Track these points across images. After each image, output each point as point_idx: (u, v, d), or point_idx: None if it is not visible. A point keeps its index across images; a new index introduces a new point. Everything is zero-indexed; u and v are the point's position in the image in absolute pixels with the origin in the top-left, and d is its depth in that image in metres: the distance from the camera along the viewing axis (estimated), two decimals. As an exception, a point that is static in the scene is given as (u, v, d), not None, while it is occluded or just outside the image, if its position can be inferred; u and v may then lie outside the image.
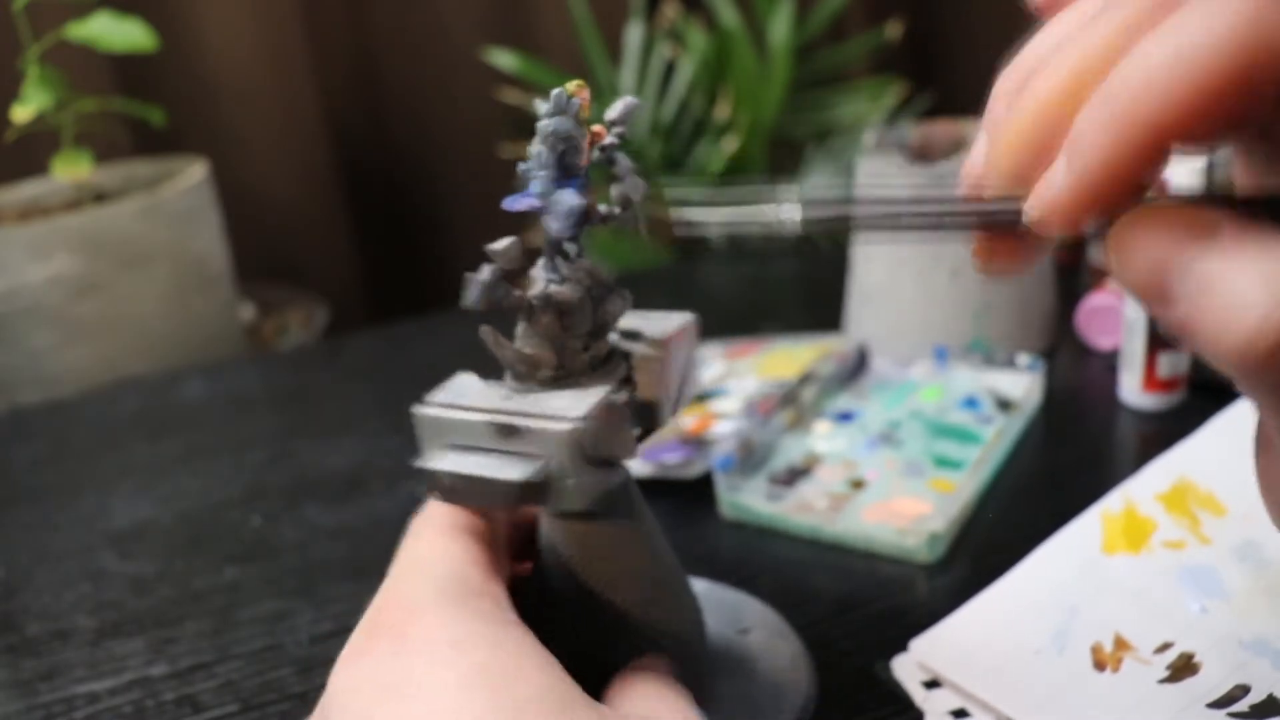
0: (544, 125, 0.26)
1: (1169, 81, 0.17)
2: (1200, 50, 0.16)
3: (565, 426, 0.26)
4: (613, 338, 0.30)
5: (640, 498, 0.31)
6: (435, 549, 0.27)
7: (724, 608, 0.37)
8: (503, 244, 0.26)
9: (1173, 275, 0.17)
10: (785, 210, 0.22)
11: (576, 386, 0.28)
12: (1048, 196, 0.19)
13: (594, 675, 0.28)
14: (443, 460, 0.27)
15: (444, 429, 0.28)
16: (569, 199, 0.26)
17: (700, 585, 0.38)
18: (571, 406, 0.27)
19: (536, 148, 0.26)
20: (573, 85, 0.26)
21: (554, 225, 0.26)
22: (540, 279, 0.27)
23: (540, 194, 0.26)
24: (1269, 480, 0.22)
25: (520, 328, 0.28)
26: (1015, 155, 0.20)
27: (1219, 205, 0.18)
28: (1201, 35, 0.16)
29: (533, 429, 0.26)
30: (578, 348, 0.28)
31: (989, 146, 0.21)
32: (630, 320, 0.31)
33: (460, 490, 0.27)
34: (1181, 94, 0.17)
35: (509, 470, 0.26)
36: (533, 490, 0.26)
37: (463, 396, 0.28)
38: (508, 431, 0.27)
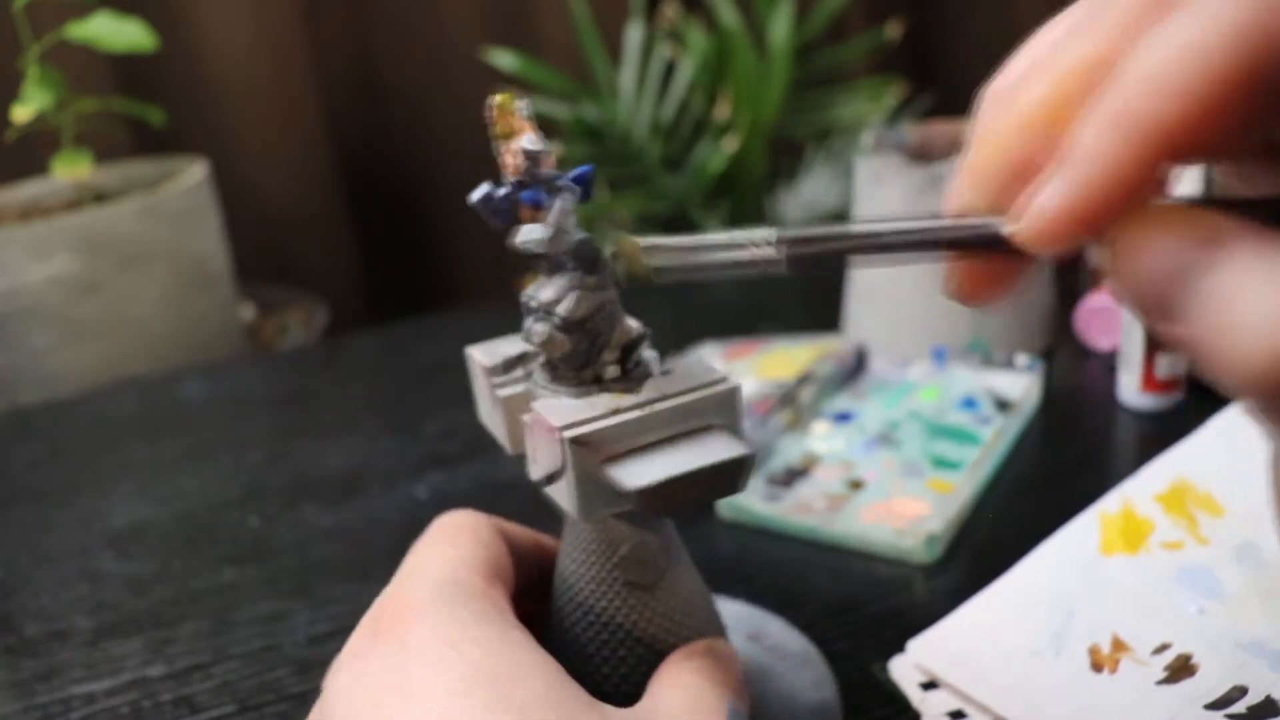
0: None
1: (1175, 80, 0.16)
2: (1207, 46, 0.15)
3: (731, 385, 0.26)
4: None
5: None
6: (437, 554, 0.28)
7: (746, 625, 0.37)
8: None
9: (1180, 289, 0.16)
10: (765, 248, 0.21)
11: (643, 377, 0.27)
12: (1041, 209, 0.17)
13: (624, 684, 0.28)
14: (647, 471, 0.25)
15: (609, 441, 0.26)
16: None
17: (726, 605, 0.37)
18: (705, 374, 0.27)
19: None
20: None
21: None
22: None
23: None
24: None
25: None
26: (997, 169, 0.19)
27: (1227, 211, 0.17)
28: (1206, 32, 0.15)
29: (706, 398, 0.26)
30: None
31: (970, 160, 0.19)
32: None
33: (679, 492, 0.25)
34: (1190, 93, 0.15)
35: (724, 450, 0.25)
36: (753, 461, 0.26)
37: (595, 408, 0.26)
38: (681, 414, 0.26)
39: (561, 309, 0.25)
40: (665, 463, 0.25)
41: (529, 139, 0.25)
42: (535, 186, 0.26)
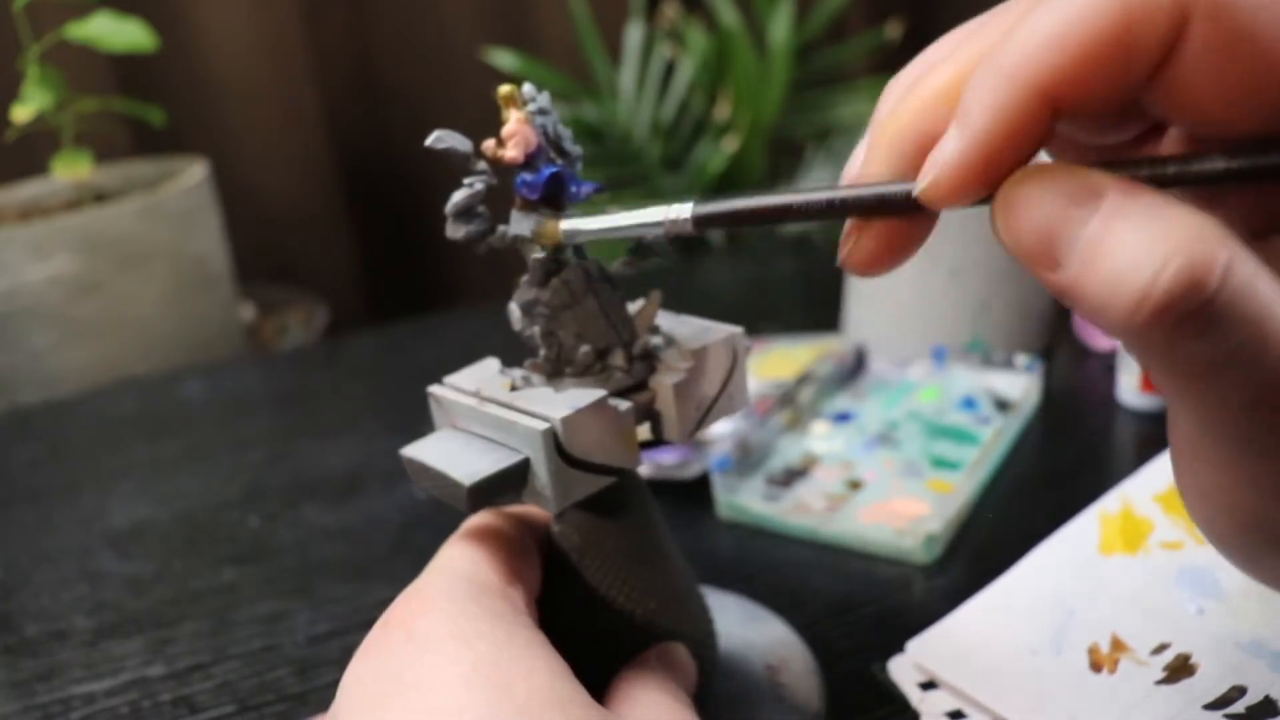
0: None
1: (1054, 40, 0.17)
2: (1082, 12, 0.17)
3: (542, 425, 0.26)
4: (655, 340, 0.29)
5: (650, 503, 0.30)
6: (457, 552, 0.28)
7: (740, 620, 0.37)
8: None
9: (1060, 237, 0.17)
10: (675, 210, 0.22)
11: (554, 384, 0.28)
12: (938, 163, 0.19)
13: (598, 679, 0.28)
14: (421, 448, 0.28)
15: (448, 410, 0.29)
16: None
17: (715, 596, 0.37)
18: (550, 406, 0.26)
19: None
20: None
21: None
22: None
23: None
24: (1191, 486, 0.21)
25: (572, 314, 0.28)
26: (897, 145, 0.20)
27: (1101, 170, 0.18)
28: (1081, 2, 0.17)
29: (517, 424, 0.26)
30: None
31: (870, 140, 0.21)
32: (672, 323, 0.30)
33: (425, 480, 0.27)
34: (1066, 50, 0.17)
35: (465, 469, 0.26)
36: (483, 495, 0.26)
37: (474, 381, 0.29)
38: (497, 423, 0.27)
39: (516, 293, 0.28)
40: (435, 450, 0.27)
41: (443, 134, 0.27)
42: (477, 174, 0.27)
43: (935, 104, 0.20)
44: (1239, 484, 0.19)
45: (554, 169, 0.27)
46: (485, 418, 0.27)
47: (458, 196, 0.27)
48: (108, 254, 0.93)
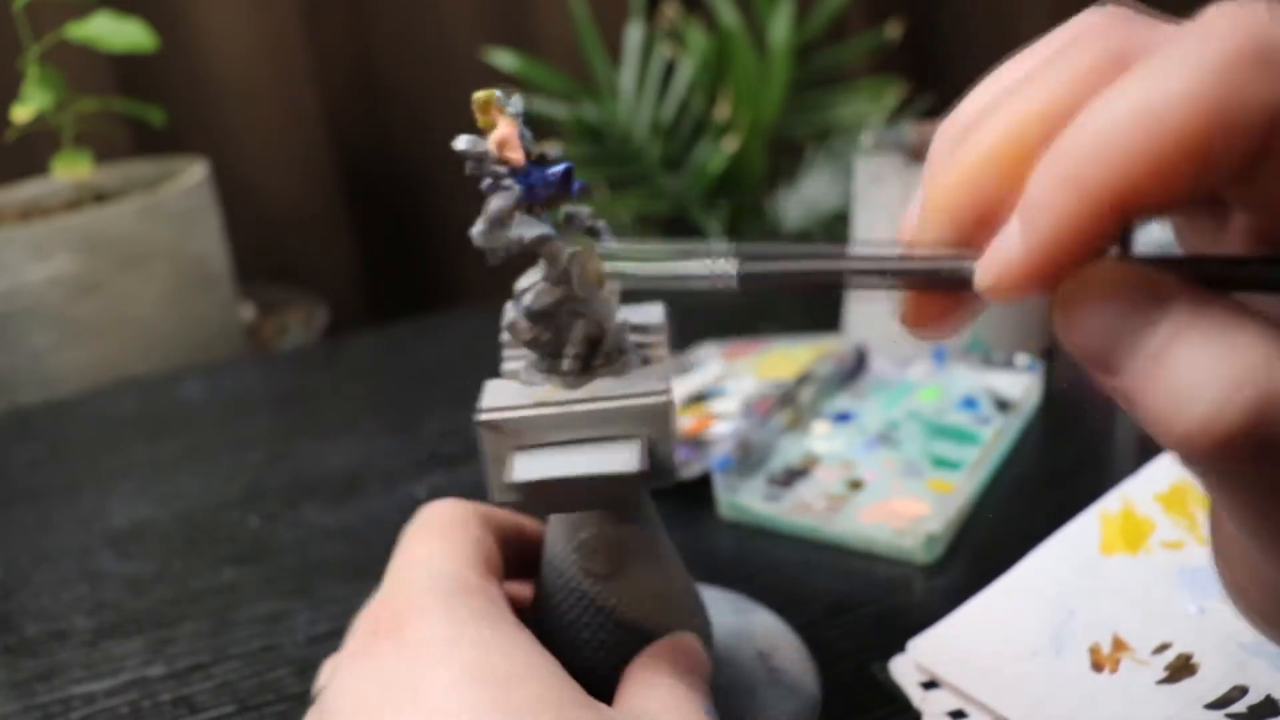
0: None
1: (1128, 140, 0.15)
2: (1162, 109, 0.15)
3: (662, 399, 0.26)
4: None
5: (649, 500, 0.31)
6: (430, 550, 0.28)
7: (729, 612, 0.37)
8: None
9: (1121, 346, 0.16)
10: (720, 265, 0.21)
11: (604, 376, 0.27)
12: (1000, 262, 0.17)
13: (597, 678, 0.28)
14: (536, 468, 0.26)
15: (511, 434, 0.26)
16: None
17: (705, 591, 0.37)
18: (647, 383, 0.26)
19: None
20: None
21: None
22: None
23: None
24: (1226, 558, 0.20)
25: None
26: (951, 211, 0.19)
27: (1173, 269, 0.17)
28: (1163, 93, 0.15)
29: (627, 408, 0.26)
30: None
31: (924, 200, 0.19)
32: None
33: (558, 495, 0.26)
34: (1142, 154, 0.15)
35: (618, 463, 0.25)
36: (646, 477, 0.26)
37: (517, 398, 0.27)
38: (596, 418, 0.26)
39: (526, 298, 0.26)
40: (555, 463, 0.25)
41: (475, 138, 0.25)
42: (485, 178, 0.26)
43: (988, 167, 0.18)
44: None
45: (567, 165, 0.26)
46: (577, 418, 0.26)
47: (498, 202, 0.25)
48: (108, 254, 0.93)
